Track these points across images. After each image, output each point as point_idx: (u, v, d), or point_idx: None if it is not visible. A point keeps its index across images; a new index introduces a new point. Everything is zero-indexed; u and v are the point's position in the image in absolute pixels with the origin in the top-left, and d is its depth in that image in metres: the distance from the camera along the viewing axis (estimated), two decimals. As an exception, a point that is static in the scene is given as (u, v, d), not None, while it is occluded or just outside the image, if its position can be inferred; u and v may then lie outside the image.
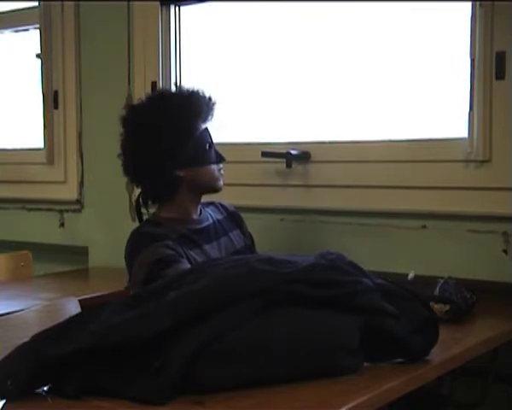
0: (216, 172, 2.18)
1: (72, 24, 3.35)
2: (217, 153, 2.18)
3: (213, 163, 2.17)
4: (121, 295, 2.41)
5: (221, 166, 2.20)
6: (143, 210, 2.24)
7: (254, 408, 1.36)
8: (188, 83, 2.24)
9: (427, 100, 2.54)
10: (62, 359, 1.37)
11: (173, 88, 2.19)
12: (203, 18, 3.05)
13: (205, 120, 2.17)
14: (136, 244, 2.09)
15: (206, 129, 2.17)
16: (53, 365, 1.38)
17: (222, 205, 2.34)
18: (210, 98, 2.19)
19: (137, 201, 2.22)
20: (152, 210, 2.24)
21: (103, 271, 3.24)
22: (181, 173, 2.13)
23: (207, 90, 2.20)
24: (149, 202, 2.21)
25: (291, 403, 1.39)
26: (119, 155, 2.19)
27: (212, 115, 2.20)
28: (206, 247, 2.15)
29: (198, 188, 2.17)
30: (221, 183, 2.21)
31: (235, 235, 2.28)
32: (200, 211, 2.23)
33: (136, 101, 2.30)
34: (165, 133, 2.10)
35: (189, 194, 2.16)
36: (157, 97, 2.22)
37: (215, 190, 2.22)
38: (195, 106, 2.15)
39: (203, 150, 2.14)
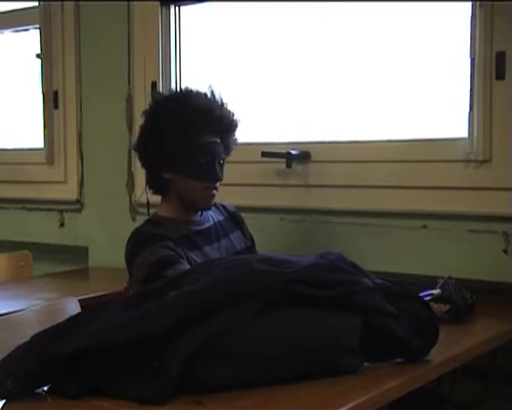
0: (199, 190, 2.12)
1: (72, 24, 3.36)
2: (212, 172, 2.11)
3: (198, 179, 2.11)
4: (121, 295, 2.42)
5: (215, 185, 2.13)
6: (143, 210, 2.26)
7: (254, 408, 1.36)
8: (198, 85, 2.23)
9: (427, 100, 2.54)
10: (62, 359, 1.37)
11: (206, 91, 2.17)
12: (203, 18, 3.05)
13: (217, 134, 2.14)
14: (137, 244, 2.09)
15: (213, 144, 2.13)
16: (53, 365, 1.38)
17: (223, 206, 2.33)
18: (232, 114, 2.18)
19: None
20: (152, 210, 2.24)
21: (103, 271, 3.24)
22: (168, 176, 2.13)
23: (235, 110, 2.20)
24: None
25: (291, 403, 1.39)
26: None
27: (230, 133, 2.19)
28: (207, 248, 2.15)
29: (182, 198, 2.15)
30: (205, 203, 2.16)
31: (235, 236, 2.28)
32: (201, 212, 2.22)
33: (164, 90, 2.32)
34: (166, 131, 2.10)
35: (180, 198, 2.15)
36: (178, 93, 2.23)
37: (196, 207, 2.17)
38: (208, 116, 2.12)
39: (193, 162, 2.10)
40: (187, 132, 2.10)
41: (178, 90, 2.30)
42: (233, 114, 2.19)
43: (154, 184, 2.19)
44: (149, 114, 2.19)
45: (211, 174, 2.12)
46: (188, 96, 2.16)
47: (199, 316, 1.41)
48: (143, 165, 2.20)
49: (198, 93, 2.18)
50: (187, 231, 2.13)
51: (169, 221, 2.14)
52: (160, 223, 2.14)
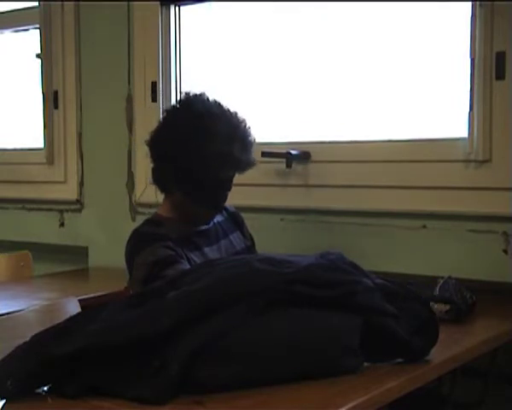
0: (203, 213, 2.14)
1: (72, 24, 3.36)
2: (221, 202, 2.14)
3: (205, 207, 2.12)
4: (121, 295, 2.42)
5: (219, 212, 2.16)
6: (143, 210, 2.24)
7: (254, 408, 1.36)
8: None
9: (427, 100, 2.54)
10: (62, 359, 1.37)
11: (238, 119, 2.11)
12: (203, 18, 3.05)
13: (236, 171, 2.13)
14: (137, 244, 2.08)
15: (232, 178, 2.13)
16: (53, 365, 1.38)
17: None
18: (245, 162, 2.13)
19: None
20: (152, 210, 2.24)
21: (103, 271, 3.24)
22: (173, 190, 2.12)
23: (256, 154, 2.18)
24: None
25: (291, 403, 1.39)
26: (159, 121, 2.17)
27: (243, 171, 2.17)
28: (207, 249, 2.15)
29: (184, 210, 2.13)
30: (204, 222, 2.17)
31: (235, 237, 2.28)
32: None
33: (195, 92, 2.16)
34: (197, 154, 2.05)
35: (181, 204, 2.15)
36: (226, 115, 2.11)
37: (195, 224, 2.16)
38: (243, 158, 2.09)
39: (209, 192, 2.09)
40: (218, 164, 2.07)
41: (223, 107, 2.12)
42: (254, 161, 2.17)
43: (160, 183, 2.16)
44: (184, 123, 2.09)
45: (220, 204, 2.15)
46: (235, 127, 2.09)
47: (199, 316, 1.41)
48: (154, 161, 2.15)
49: (243, 123, 2.12)
50: (187, 231, 2.13)
51: (169, 221, 2.14)
52: (161, 223, 2.13)
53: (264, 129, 2.86)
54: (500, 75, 2.32)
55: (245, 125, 2.14)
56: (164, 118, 2.18)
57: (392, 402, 1.50)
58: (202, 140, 2.04)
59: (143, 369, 1.37)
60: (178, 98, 2.20)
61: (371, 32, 2.64)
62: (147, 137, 2.17)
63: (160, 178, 2.15)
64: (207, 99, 2.13)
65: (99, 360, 1.38)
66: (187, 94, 2.16)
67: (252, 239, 2.37)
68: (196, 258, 2.08)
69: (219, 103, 2.13)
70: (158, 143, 2.14)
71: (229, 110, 2.13)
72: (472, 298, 2.06)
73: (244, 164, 2.14)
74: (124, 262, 2.13)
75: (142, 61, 3.14)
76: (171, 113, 2.18)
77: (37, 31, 3.47)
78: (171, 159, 2.08)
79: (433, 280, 2.10)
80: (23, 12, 3.60)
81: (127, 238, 2.13)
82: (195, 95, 2.14)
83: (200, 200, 2.11)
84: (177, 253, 2.02)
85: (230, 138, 2.07)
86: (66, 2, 3.37)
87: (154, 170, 2.16)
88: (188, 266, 1.98)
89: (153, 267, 1.98)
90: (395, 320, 1.58)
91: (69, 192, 3.43)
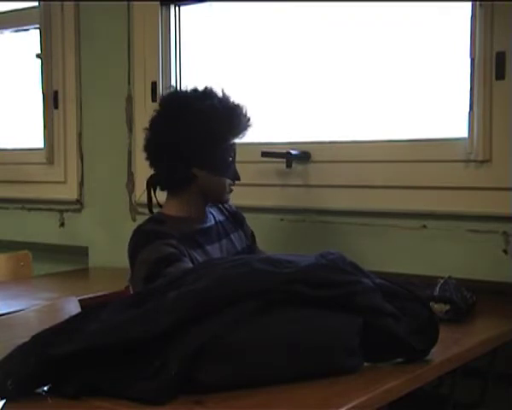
0: (227, 188, 2.20)
1: (72, 24, 3.36)
2: (235, 170, 2.19)
3: (229, 178, 2.18)
4: (121, 295, 2.41)
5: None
6: (143, 210, 2.24)
7: (254, 408, 1.36)
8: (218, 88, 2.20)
9: (427, 100, 2.55)
10: (62, 359, 1.37)
11: (220, 92, 2.18)
12: (203, 18, 3.05)
13: (236, 135, 2.18)
14: (139, 242, 2.08)
15: (234, 144, 2.18)
16: (53, 365, 1.38)
17: (224, 206, 2.33)
18: (249, 119, 2.20)
19: (148, 182, 2.19)
20: (155, 209, 2.23)
21: (103, 271, 3.24)
22: (197, 173, 2.12)
23: (249, 111, 2.20)
24: (158, 188, 2.19)
25: (291, 403, 1.39)
26: (144, 129, 2.18)
27: (244, 135, 2.21)
28: (208, 248, 2.15)
29: (206, 194, 2.17)
30: (228, 198, 2.24)
31: (236, 237, 2.28)
32: (204, 212, 2.22)
33: (179, 89, 2.30)
34: (198, 129, 2.09)
35: (196, 195, 2.15)
36: (204, 94, 2.17)
37: (220, 202, 2.27)
38: (235, 119, 2.15)
39: (225, 162, 2.16)
40: (224, 133, 2.14)
41: (202, 89, 2.20)
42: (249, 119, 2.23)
43: (176, 180, 2.14)
44: (180, 112, 2.12)
45: (236, 173, 2.20)
46: (224, 98, 2.17)
47: (199, 316, 1.41)
48: (163, 161, 2.14)
49: (219, 94, 2.18)
50: (189, 229, 2.13)
51: (172, 219, 2.13)
52: (163, 221, 2.13)
53: (265, 129, 2.86)
54: (500, 75, 2.32)
55: (228, 100, 2.18)
56: (164, 123, 2.17)
57: (392, 402, 1.50)
58: (198, 121, 2.09)
59: (143, 369, 1.37)
60: (159, 101, 2.25)
61: (371, 31, 2.64)
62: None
63: (177, 172, 2.13)
64: (185, 90, 2.20)
65: (99, 360, 1.38)
66: (162, 95, 2.27)
67: (253, 235, 2.37)
68: (198, 256, 2.08)
69: (196, 89, 2.19)
70: (170, 139, 2.14)
71: (211, 90, 2.18)
72: (472, 298, 2.06)
73: (246, 130, 2.19)
74: (124, 262, 2.13)
75: (142, 61, 3.14)
76: (171, 116, 2.16)
77: (37, 31, 3.48)
78: (196, 144, 2.11)
79: (433, 280, 2.10)
80: (23, 12, 3.60)
81: (127, 238, 2.12)
82: (169, 92, 2.28)
83: (224, 171, 2.16)
84: (179, 251, 2.02)
85: (226, 115, 2.14)
86: (66, 2, 3.37)
87: (163, 172, 2.15)
88: (190, 264, 1.98)
89: (155, 265, 1.98)
90: (395, 320, 1.58)
91: (69, 192, 3.43)
